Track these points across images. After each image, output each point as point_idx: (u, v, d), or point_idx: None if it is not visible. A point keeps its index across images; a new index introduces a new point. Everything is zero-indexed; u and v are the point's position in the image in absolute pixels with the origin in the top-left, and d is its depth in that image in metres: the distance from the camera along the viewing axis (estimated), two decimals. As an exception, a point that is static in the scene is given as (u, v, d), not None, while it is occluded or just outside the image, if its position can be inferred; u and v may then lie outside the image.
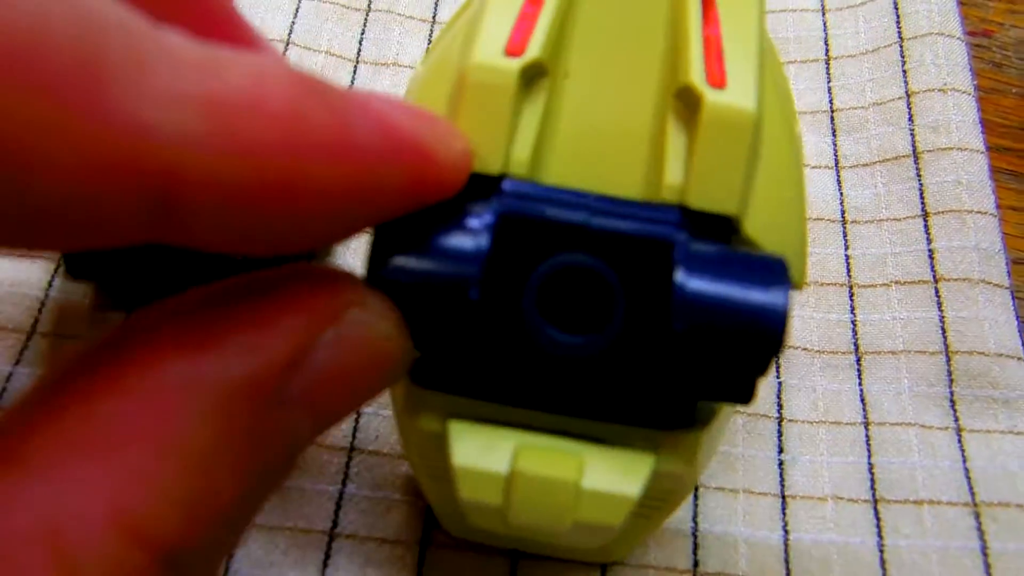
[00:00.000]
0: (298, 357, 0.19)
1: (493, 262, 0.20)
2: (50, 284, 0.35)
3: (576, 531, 0.22)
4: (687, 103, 0.22)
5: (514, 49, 0.22)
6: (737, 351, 0.20)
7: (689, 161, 0.22)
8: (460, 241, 0.20)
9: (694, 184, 0.21)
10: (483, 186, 0.21)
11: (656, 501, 0.25)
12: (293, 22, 0.43)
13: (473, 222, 0.21)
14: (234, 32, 0.25)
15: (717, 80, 0.22)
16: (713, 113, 0.21)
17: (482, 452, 0.22)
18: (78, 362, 0.18)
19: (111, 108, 0.15)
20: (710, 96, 0.21)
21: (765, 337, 0.20)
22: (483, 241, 0.20)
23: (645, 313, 0.20)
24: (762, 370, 0.21)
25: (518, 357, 0.21)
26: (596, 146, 0.23)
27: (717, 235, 0.21)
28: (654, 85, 0.23)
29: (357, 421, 0.34)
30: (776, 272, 0.21)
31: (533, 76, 0.22)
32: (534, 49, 0.22)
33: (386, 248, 0.21)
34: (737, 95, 0.22)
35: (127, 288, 0.31)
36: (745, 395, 0.21)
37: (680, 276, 0.20)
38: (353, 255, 0.36)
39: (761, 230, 0.22)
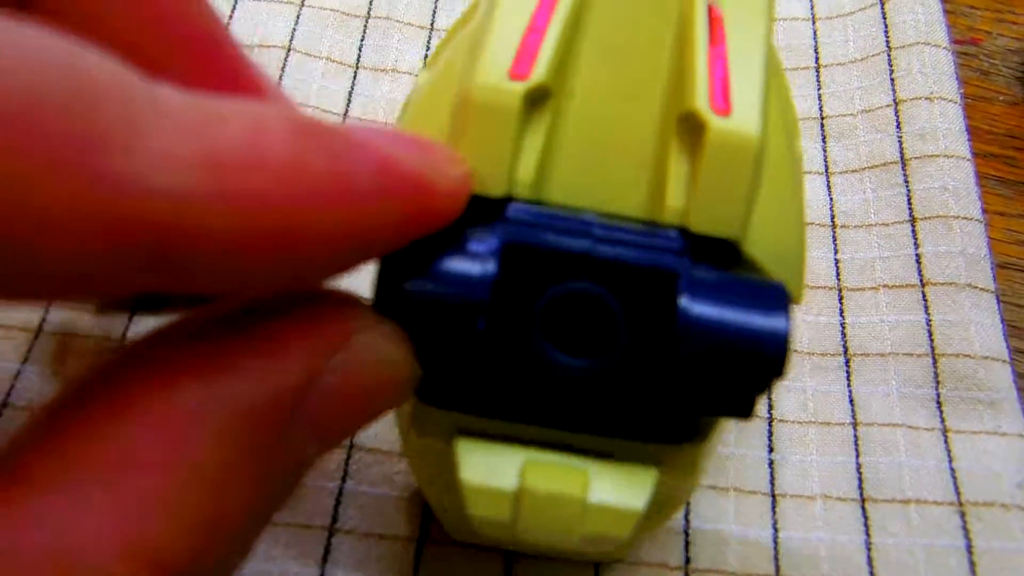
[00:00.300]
0: (309, 381, 0.20)
1: (499, 288, 0.20)
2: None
3: (583, 543, 0.22)
4: (691, 128, 0.22)
5: (519, 71, 0.22)
6: (741, 374, 0.20)
7: (692, 185, 0.21)
8: (467, 267, 0.20)
9: (696, 208, 0.21)
10: (488, 209, 0.21)
11: (657, 507, 0.25)
12: (294, 28, 0.44)
13: (479, 247, 0.21)
14: (236, 73, 0.26)
15: (721, 106, 0.22)
16: (717, 140, 0.21)
17: (490, 469, 0.22)
18: (90, 382, 0.18)
19: (106, 172, 0.15)
20: (714, 123, 0.21)
21: (768, 361, 0.20)
22: (490, 267, 0.20)
23: (648, 338, 0.21)
24: (764, 390, 0.21)
25: (525, 378, 0.21)
26: (600, 166, 0.22)
27: (718, 258, 0.21)
28: (659, 107, 0.23)
29: (340, 497, 0.33)
30: (777, 298, 0.21)
31: (537, 99, 0.22)
32: (539, 72, 0.22)
33: (393, 274, 0.21)
34: (741, 122, 0.21)
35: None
36: (745, 411, 0.21)
37: (684, 303, 0.20)
38: (359, 277, 0.37)
39: (762, 250, 0.22)
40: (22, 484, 0.17)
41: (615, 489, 0.22)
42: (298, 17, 0.44)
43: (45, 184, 0.15)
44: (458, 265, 0.20)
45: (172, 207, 0.16)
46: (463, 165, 0.21)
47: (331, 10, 0.45)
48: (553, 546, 0.23)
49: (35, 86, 0.15)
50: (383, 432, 0.34)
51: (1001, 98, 0.45)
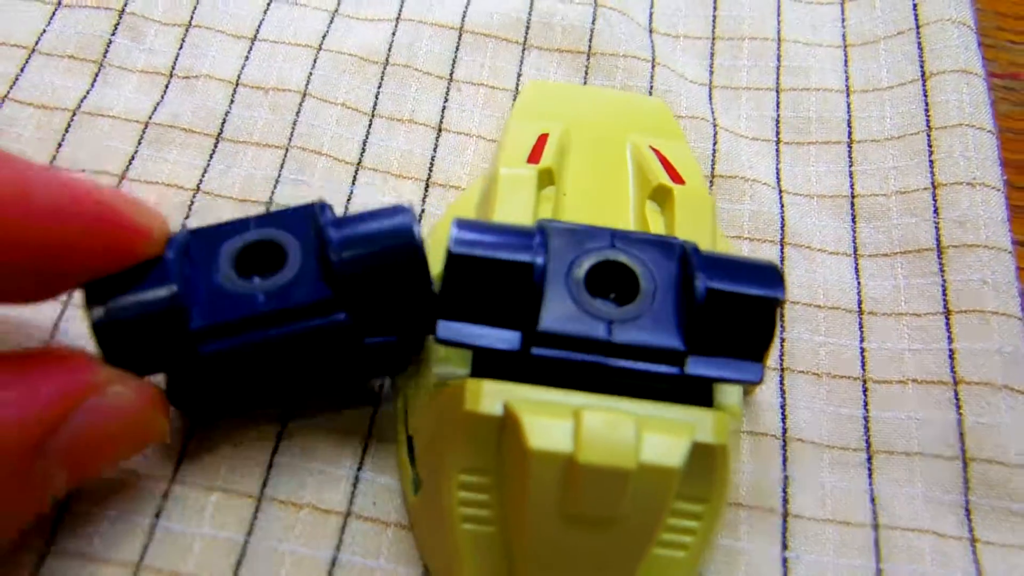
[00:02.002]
0: (64, 416, 0.25)
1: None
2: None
3: (637, 492, 0.26)
4: (663, 194, 0.34)
5: (532, 161, 0.34)
6: (747, 312, 0.28)
7: (670, 230, 0.33)
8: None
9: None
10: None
11: (694, 507, 0.29)
12: (311, 73, 0.42)
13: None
14: None
15: (678, 181, 0.34)
16: (681, 197, 0.33)
17: (548, 409, 0.26)
18: None
19: None
20: (678, 188, 0.34)
21: (767, 302, 0.28)
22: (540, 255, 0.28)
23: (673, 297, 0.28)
24: (769, 331, 0.28)
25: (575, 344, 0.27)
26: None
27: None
28: (629, 194, 0.35)
29: (355, 486, 0.33)
30: (769, 269, 0.29)
31: (545, 180, 0.34)
32: (547, 159, 0.34)
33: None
34: (694, 186, 0.34)
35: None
36: (758, 352, 0.28)
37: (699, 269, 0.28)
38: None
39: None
40: None
41: (663, 429, 0.26)
42: (315, 61, 0.43)
43: None
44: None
45: None
46: (160, 218, 0.29)
47: (349, 55, 0.43)
48: (605, 501, 0.26)
49: None
50: (381, 502, 0.33)
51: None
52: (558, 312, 0.28)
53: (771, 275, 0.28)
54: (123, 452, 0.28)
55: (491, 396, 0.27)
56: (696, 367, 0.28)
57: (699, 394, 0.29)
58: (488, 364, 0.29)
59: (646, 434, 0.26)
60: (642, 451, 0.25)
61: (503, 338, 0.28)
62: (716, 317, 0.28)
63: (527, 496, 0.26)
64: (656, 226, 0.34)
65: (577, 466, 0.25)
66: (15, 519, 0.26)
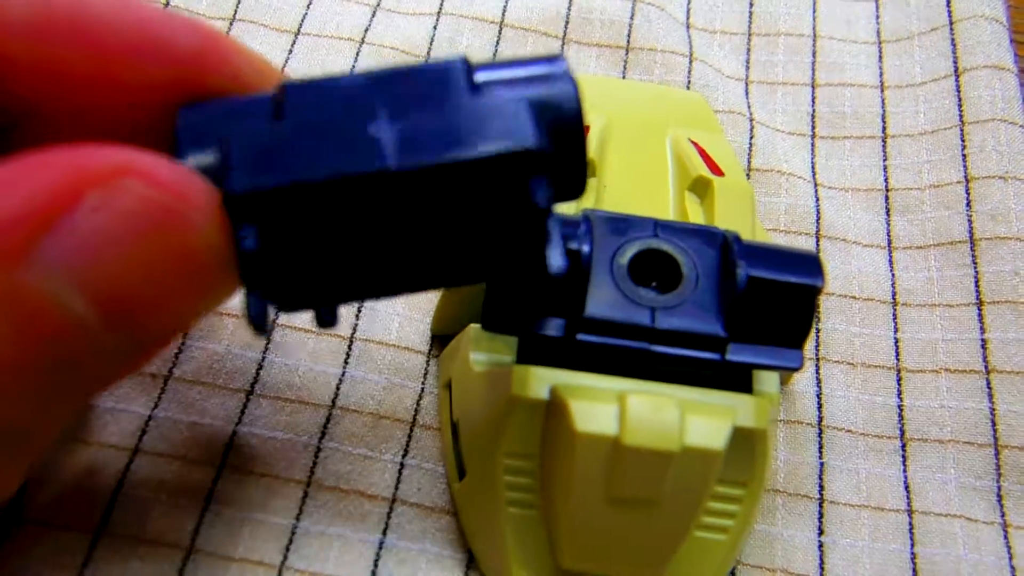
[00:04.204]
0: (48, 215, 0.19)
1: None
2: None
3: (679, 475, 0.26)
4: (701, 187, 0.35)
5: None
6: (788, 300, 0.28)
7: (709, 220, 0.34)
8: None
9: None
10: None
11: (734, 491, 0.30)
12: (353, 66, 0.43)
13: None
14: None
15: (718, 172, 0.36)
16: (720, 187, 0.35)
17: (593, 394, 0.27)
18: None
19: None
20: (717, 179, 0.35)
21: (808, 290, 0.28)
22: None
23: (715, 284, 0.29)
24: (809, 319, 0.29)
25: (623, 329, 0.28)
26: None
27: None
28: (669, 187, 0.36)
29: (400, 472, 0.34)
30: (810, 259, 0.29)
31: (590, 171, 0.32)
32: (589, 151, 0.31)
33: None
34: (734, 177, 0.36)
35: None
36: (798, 339, 0.29)
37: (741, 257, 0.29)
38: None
39: None
40: None
41: (705, 412, 0.27)
42: (358, 54, 0.44)
43: None
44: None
45: None
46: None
47: (391, 48, 0.44)
48: (649, 483, 0.27)
49: None
50: (426, 488, 0.34)
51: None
52: (603, 299, 0.28)
53: (811, 263, 0.29)
54: (166, 277, 0.20)
55: (538, 381, 0.28)
56: (737, 354, 0.28)
57: (739, 380, 0.30)
58: (532, 350, 0.29)
59: (689, 417, 0.26)
60: (686, 434, 0.26)
61: (549, 325, 0.28)
62: (757, 305, 0.28)
63: (573, 478, 0.27)
64: (696, 217, 0.34)
65: (622, 449, 0.26)
66: (48, 368, 0.19)
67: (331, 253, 0.22)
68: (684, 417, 0.26)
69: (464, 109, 0.22)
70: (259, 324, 0.22)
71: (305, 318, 0.36)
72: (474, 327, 0.31)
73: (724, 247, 0.29)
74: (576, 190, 0.24)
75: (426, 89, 0.22)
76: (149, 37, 0.23)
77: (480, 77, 0.23)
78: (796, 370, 0.29)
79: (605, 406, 0.26)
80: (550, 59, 0.25)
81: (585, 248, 0.28)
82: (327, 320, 0.23)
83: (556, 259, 0.23)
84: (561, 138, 0.23)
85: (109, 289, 0.19)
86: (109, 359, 0.20)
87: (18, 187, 0.19)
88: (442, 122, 0.22)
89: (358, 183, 0.21)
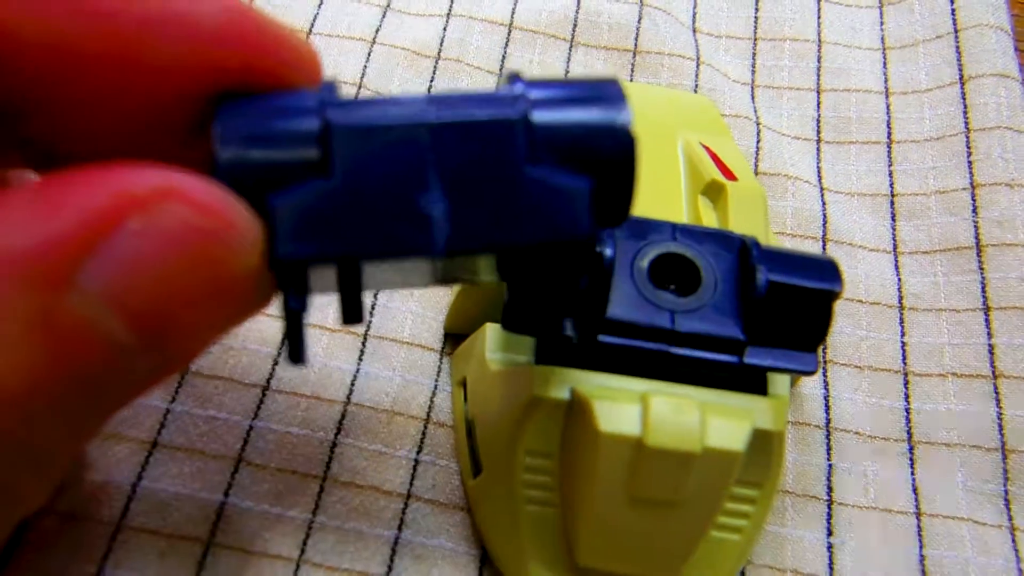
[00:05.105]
0: (90, 239, 0.18)
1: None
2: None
3: (699, 475, 0.27)
4: (714, 191, 0.35)
5: None
6: (806, 305, 0.29)
7: (723, 223, 0.34)
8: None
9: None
10: None
11: (750, 492, 0.30)
12: (365, 66, 0.43)
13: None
14: None
15: (730, 176, 0.35)
16: (734, 192, 0.35)
17: (615, 395, 0.28)
18: None
19: None
20: (730, 184, 0.35)
21: (825, 295, 0.29)
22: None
23: (734, 287, 0.29)
24: (826, 323, 0.29)
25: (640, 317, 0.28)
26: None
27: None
28: (682, 191, 0.36)
29: (415, 469, 0.34)
30: (827, 264, 0.30)
31: None
32: None
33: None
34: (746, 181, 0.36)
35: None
36: (813, 343, 0.29)
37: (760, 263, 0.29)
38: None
39: None
40: None
41: (725, 413, 0.27)
42: (369, 54, 0.44)
43: None
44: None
45: None
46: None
47: (402, 48, 0.44)
48: (669, 482, 0.27)
49: None
50: (440, 484, 0.34)
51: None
52: (624, 301, 0.28)
53: (829, 268, 0.29)
54: (204, 300, 0.20)
55: (558, 381, 0.28)
56: (755, 357, 0.29)
57: (754, 383, 0.30)
58: (551, 351, 0.30)
59: (710, 419, 0.27)
60: (707, 435, 0.26)
61: (571, 326, 0.28)
62: (775, 309, 0.29)
63: (595, 478, 0.27)
64: (709, 221, 0.35)
65: (645, 449, 0.26)
66: (81, 388, 0.19)
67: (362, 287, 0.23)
68: (705, 419, 0.27)
69: (520, 182, 0.22)
70: (301, 358, 0.22)
71: (320, 316, 0.36)
72: (490, 326, 0.32)
73: (742, 251, 0.30)
74: (619, 219, 0.23)
75: (482, 150, 0.22)
76: (165, 9, 0.21)
77: (534, 96, 0.22)
78: (811, 374, 0.29)
79: (628, 407, 0.27)
80: (604, 84, 0.24)
81: (608, 251, 0.28)
82: (353, 316, 0.23)
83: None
84: (612, 171, 0.23)
85: (147, 313, 0.19)
86: (137, 377, 0.20)
87: (59, 209, 0.18)
88: (496, 198, 0.21)
89: (405, 258, 0.21)
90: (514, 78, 0.23)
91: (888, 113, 0.45)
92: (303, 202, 0.21)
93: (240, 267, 0.20)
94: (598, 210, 0.22)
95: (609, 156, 0.23)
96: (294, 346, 0.22)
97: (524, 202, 0.21)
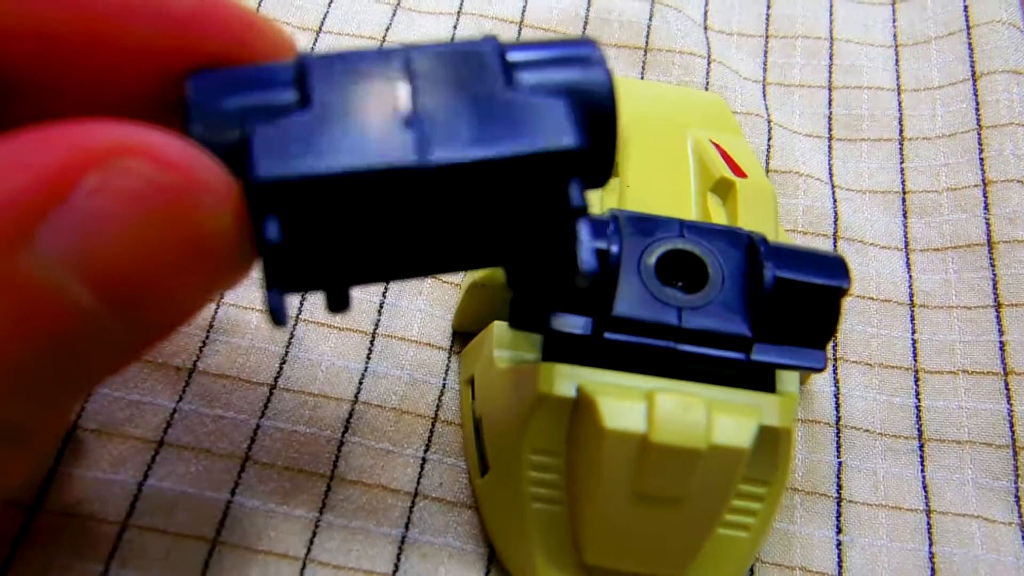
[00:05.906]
0: (45, 199, 0.18)
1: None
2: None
3: (706, 472, 0.27)
4: (723, 188, 0.35)
5: None
6: (814, 301, 0.29)
7: (732, 220, 0.34)
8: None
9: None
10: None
11: (757, 489, 0.30)
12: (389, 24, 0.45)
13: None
14: None
15: (740, 174, 0.35)
16: (744, 189, 0.34)
17: (621, 392, 0.27)
18: None
19: None
20: (740, 181, 0.34)
21: (833, 291, 0.29)
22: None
23: (742, 283, 0.29)
24: (834, 320, 0.29)
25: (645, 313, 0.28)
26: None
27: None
28: (691, 188, 0.35)
29: (423, 466, 0.34)
30: (835, 260, 0.30)
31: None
32: None
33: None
34: (756, 179, 0.35)
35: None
36: (822, 340, 0.29)
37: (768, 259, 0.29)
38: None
39: None
40: None
41: (732, 410, 0.27)
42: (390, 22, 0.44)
43: None
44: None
45: None
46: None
47: (419, 10, 0.45)
48: (675, 480, 0.27)
49: None
50: (448, 483, 0.34)
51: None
52: (630, 298, 0.28)
53: (837, 265, 0.29)
54: (176, 263, 0.19)
55: (564, 379, 0.28)
56: (762, 354, 0.29)
57: (762, 380, 0.30)
58: (558, 348, 0.30)
59: (716, 416, 0.27)
60: (713, 432, 0.26)
61: (576, 323, 0.28)
62: (783, 305, 0.28)
63: (601, 475, 0.27)
64: (718, 218, 0.34)
65: (650, 446, 0.26)
66: (48, 356, 0.18)
67: (353, 241, 0.21)
68: (711, 415, 0.27)
69: (499, 100, 0.21)
70: (279, 317, 0.21)
71: (328, 314, 0.36)
72: (498, 324, 0.32)
73: (750, 248, 0.29)
74: (601, 179, 0.24)
75: (458, 73, 0.22)
76: None
77: (511, 58, 0.23)
78: (820, 371, 0.29)
79: (633, 404, 0.27)
80: (579, 42, 0.24)
81: (614, 248, 0.28)
82: (339, 305, 0.22)
83: (588, 259, 0.22)
84: (595, 127, 0.22)
85: (112, 276, 0.18)
86: (113, 347, 0.20)
87: (10, 169, 0.18)
88: (477, 113, 0.21)
89: (390, 176, 0.20)
90: (489, 39, 0.23)
91: (900, 110, 0.44)
92: (282, 130, 0.20)
93: (213, 226, 0.19)
94: (581, 172, 0.21)
95: (593, 110, 0.22)
96: (273, 301, 0.21)
97: (506, 116, 0.21)
